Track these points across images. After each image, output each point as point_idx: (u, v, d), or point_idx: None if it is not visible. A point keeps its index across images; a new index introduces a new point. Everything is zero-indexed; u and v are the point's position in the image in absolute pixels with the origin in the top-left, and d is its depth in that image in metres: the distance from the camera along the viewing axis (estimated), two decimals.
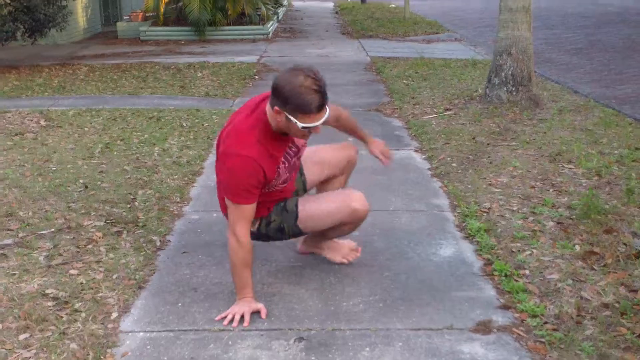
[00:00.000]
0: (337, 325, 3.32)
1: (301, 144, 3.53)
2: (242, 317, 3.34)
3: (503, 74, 7.74)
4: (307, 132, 3.24)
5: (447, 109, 7.77)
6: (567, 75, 10.35)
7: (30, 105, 8.32)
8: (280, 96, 3.13)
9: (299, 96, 3.10)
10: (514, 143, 6.30)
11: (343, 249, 3.93)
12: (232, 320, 3.33)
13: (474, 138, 6.49)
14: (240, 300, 3.41)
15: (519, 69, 7.71)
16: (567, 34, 15.34)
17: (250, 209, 3.35)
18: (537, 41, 12.03)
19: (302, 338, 3.21)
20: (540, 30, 15.33)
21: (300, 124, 3.15)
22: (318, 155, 3.88)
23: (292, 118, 3.14)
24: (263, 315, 3.37)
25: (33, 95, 9.09)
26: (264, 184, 3.35)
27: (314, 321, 3.35)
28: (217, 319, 3.37)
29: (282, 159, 3.39)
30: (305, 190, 3.86)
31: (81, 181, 5.38)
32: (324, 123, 3.21)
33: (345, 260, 3.91)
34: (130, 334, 3.27)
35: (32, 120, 7.46)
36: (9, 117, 7.58)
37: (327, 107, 3.19)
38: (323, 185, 3.93)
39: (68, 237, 4.34)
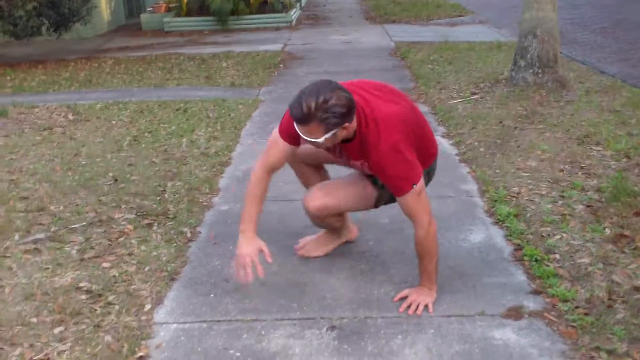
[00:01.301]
0: (369, 313, 3.34)
1: (357, 165, 3.50)
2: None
3: (529, 55, 7.68)
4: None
5: (473, 93, 7.73)
6: (593, 55, 10.25)
7: (58, 99, 8.40)
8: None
9: (295, 97, 3.17)
10: (541, 126, 6.26)
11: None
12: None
13: (501, 122, 6.46)
14: (240, 239, 3.45)
15: (544, 50, 7.64)
16: (592, 13, 15.16)
17: (274, 143, 3.40)
18: (561, 21, 11.90)
19: (335, 327, 3.23)
20: (564, 10, 15.16)
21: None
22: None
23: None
24: (268, 258, 3.41)
25: (60, 89, 9.18)
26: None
27: (346, 310, 3.37)
28: (236, 277, 3.46)
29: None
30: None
31: (111, 174, 5.43)
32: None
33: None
34: (163, 325, 3.31)
35: (60, 114, 7.54)
36: (37, 112, 7.66)
37: (307, 126, 3.10)
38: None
39: (99, 230, 4.39)
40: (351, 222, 4.09)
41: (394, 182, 3.25)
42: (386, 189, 3.45)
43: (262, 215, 4.52)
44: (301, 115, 3.05)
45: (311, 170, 3.93)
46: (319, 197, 3.61)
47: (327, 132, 3.09)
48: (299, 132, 3.15)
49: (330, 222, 3.79)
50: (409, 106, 3.40)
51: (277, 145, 3.41)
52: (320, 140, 3.12)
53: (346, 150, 3.37)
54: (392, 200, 3.56)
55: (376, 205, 3.69)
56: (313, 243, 4.01)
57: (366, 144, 3.23)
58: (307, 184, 3.94)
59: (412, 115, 3.38)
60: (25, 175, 5.48)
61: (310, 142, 3.18)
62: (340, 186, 3.67)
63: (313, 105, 3.01)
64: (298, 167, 3.94)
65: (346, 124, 3.11)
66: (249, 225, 3.45)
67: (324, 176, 3.95)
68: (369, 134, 3.20)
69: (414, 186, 3.22)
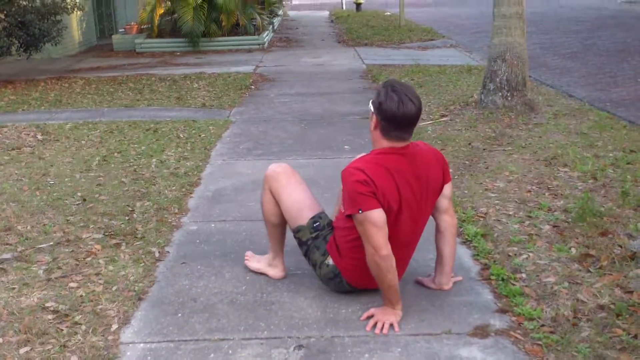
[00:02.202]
0: (336, 332, 3.34)
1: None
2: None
3: (498, 79, 7.78)
4: None
5: (442, 115, 7.81)
6: (561, 79, 10.39)
7: (27, 119, 8.35)
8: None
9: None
10: (509, 148, 6.33)
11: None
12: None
13: (470, 144, 6.52)
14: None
15: (513, 74, 7.75)
16: (562, 39, 15.40)
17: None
18: (531, 46, 12.08)
19: (302, 346, 3.23)
20: (534, 35, 15.39)
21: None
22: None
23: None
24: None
25: (29, 109, 9.12)
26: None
27: (313, 329, 3.37)
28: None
29: None
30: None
31: (79, 194, 5.40)
32: None
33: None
34: (130, 345, 3.28)
35: (28, 134, 7.49)
36: (5, 132, 7.60)
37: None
38: None
39: (67, 250, 4.36)
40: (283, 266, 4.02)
41: (346, 196, 3.35)
42: (312, 234, 3.62)
43: (227, 234, 4.57)
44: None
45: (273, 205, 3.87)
46: (282, 167, 3.77)
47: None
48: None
49: (268, 209, 3.77)
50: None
51: (377, 218, 3.30)
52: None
53: None
54: (304, 250, 3.69)
55: (293, 232, 3.69)
56: (255, 257, 4.06)
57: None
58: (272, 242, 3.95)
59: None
60: None
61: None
62: (300, 184, 3.76)
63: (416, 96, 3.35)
64: (266, 194, 3.84)
65: (374, 116, 3.46)
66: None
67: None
68: (369, 153, 3.48)
69: (360, 212, 3.26)
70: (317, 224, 3.62)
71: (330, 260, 3.58)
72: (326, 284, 3.70)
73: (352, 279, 3.56)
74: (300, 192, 3.72)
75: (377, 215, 3.27)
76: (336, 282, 3.63)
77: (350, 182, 3.28)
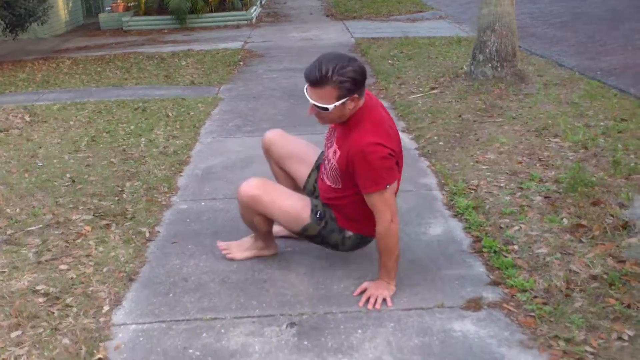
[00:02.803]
0: (328, 309, 3.33)
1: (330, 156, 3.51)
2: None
3: (487, 50, 7.73)
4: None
5: (432, 88, 7.77)
6: (552, 48, 10.35)
7: (14, 101, 8.28)
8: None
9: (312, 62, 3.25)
10: (500, 119, 6.30)
11: None
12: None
13: (460, 116, 6.50)
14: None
15: (503, 44, 7.69)
16: (551, 7, 15.32)
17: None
18: (520, 15, 12.01)
19: (294, 323, 3.22)
20: (524, 4, 15.30)
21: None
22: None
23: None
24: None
25: (17, 90, 9.05)
26: None
27: (305, 306, 3.36)
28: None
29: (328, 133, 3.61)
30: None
31: (68, 175, 5.36)
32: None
33: None
34: (122, 326, 3.27)
35: (16, 116, 7.42)
36: None
37: (321, 88, 3.18)
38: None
39: (57, 232, 4.33)
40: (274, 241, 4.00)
41: (371, 175, 3.23)
42: (320, 225, 3.53)
43: (217, 213, 4.54)
44: (318, 77, 3.15)
45: (282, 174, 3.92)
46: (255, 188, 3.53)
47: (339, 98, 3.18)
48: (310, 98, 3.23)
49: (257, 222, 3.68)
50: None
51: (395, 185, 3.34)
52: (330, 107, 3.20)
53: (341, 131, 3.40)
54: (319, 240, 3.63)
55: (300, 233, 3.62)
56: (235, 246, 3.93)
57: (356, 131, 3.26)
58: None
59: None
60: None
61: (319, 110, 3.25)
62: (281, 191, 3.61)
63: (331, 68, 3.11)
64: (272, 165, 3.96)
65: (356, 95, 3.21)
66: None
67: (295, 186, 3.88)
68: (363, 122, 3.28)
69: (388, 187, 3.23)
70: (318, 213, 3.55)
71: (349, 232, 3.56)
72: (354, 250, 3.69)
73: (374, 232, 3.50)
74: (287, 198, 3.58)
75: (396, 182, 3.31)
76: (365, 243, 3.65)
77: (375, 160, 3.19)
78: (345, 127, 3.35)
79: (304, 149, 3.87)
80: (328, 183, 3.51)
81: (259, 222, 3.66)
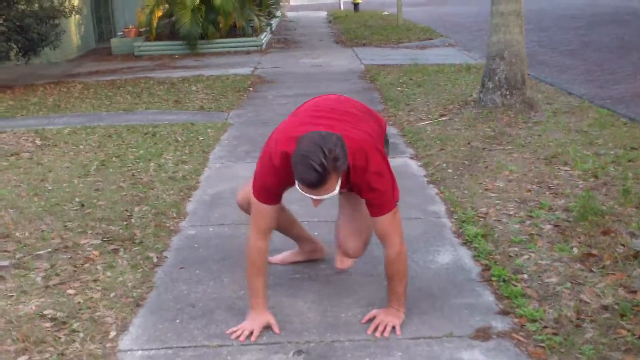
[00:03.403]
0: (336, 336, 3.31)
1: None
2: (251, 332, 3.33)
3: (496, 77, 7.75)
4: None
5: (441, 115, 7.77)
6: (561, 76, 10.36)
7: (26, 124, 8.32)
8: (294, 155, 3.00)
9: (297, 165, 2.96)
10: (509, 147, 6.30)
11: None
12: (240, 336, 3.31)
13: (469, 143, 6.49)
14: (251, 313, 3.40)
15: (512, 72, 7.71)
16: (560, 36, 15.36)
17: (258, 211, 3.34)
18: (530, 43, 12.04)
19: (302, 351, 3.20)
20: (533, 33, 15.35)
21: (298, 188, 3.06)
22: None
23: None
24: (276, 330, 3.35)
25: (28, 114, 9.09)
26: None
27: (313, 333, 3.34)
28: (227, 332, 3.36)
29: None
30: None
31: (77, 200, 5.37)
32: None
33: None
34: (128, 352, 3.25)
35: (27, 139, 7.46)
36: (4, 138, 7.57)
37: (325, 184, 2.96)
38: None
39: (65, 256, 4.33)
40: (319, 240, 4.12)
41: (383, 198, 3.19)
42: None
43: (225, 239, 4.53)
44: (320, 177, 2.91)
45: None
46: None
47: (338, 178, 3.00)
48: (313, 197, 3.04)
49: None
50: (367, 119, 3.40)
51: (262, 211, 3.31)
52: (336, 191, 3.03)
53: None
54: None
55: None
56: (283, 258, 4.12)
57: (356, 171, 3.15)
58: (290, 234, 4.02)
59: (378, 129, 3.43)
60: None
61: (323, 199, 3.09)
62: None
63: (325, 161, 2.87)
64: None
65: (349, 161, 3.05)
66: (259, 300, 3.41)
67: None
68: (355, 161, 3.12)
69: (397, 204, 3.23)
70: None
71: None
72: None
73: None
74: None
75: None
76: None
77: (388, 174, 3.20)
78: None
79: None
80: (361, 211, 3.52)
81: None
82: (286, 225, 3.89)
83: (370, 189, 3.18)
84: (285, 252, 4.14)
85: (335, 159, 2.90)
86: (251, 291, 3.41)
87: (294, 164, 2.96)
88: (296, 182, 3.03)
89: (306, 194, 3.03)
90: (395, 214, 3.24)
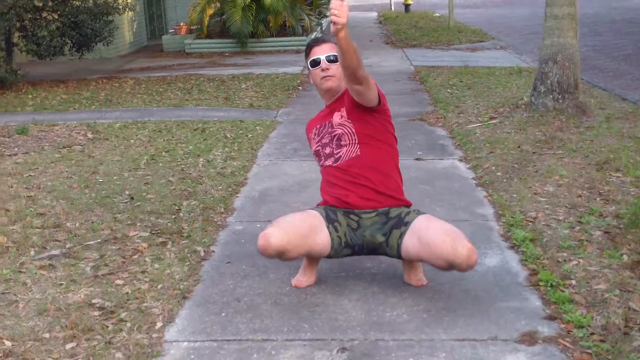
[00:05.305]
0: (380, 335, 3.30)
1: (336, 123, 3.86)
2: None
3: (549, 81, 7.65)
4: (319, 71, 3.81)
5: (491, 118, 7.71)
6: (614, 82, 10.20)
7: (78, 118, 8.47)
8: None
9: (306, 46, 3.92)
10: (560, 151, 6.22)
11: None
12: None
13: (519, 147, 6.43)
14: None
15: (565, 76, 7.61)
16: (615, 40, 15.13)
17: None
18: (584, 48, 11.88)
19: (345, 348, 3.20)
20: (587, 37, 15.14)
21: (308, 63, 3.84)
22: (427, 235, 3.58)
23: (307, 66, 3.87)
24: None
25: (81, 108, 9.26)
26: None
27: (357, 331, 3.34)
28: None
29: (316, 127, 4.02)
30: (398, 256, 3.71)
31: (127, 192, 5.45)
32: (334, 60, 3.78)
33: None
34: (174, 343, 3.29)
35: (79, 133, 7.60)
36: (57, 130, 7.72)
37: (328, 44, 3.83)
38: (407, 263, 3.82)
39: (114, 247, 4.40)
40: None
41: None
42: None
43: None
44: (322, 37, 3.87)
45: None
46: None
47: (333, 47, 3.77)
48: (328, 53, 3.79)
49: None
50: None
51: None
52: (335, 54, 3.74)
53: (333, 105, 3.93)
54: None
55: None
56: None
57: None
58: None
59: None
60: (43, 192, 5.51)
61: (332, 64, 3.80)
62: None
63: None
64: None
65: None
66: None
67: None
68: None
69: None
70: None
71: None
72: None
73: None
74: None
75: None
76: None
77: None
78: (337, 99, 3.94)
79: (308, 221, 3.71)
80: (349, 156, 3.78)
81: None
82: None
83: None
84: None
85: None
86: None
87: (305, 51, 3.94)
88: (308, 64, 3.87)
89: (321, 58, 3.81)
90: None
